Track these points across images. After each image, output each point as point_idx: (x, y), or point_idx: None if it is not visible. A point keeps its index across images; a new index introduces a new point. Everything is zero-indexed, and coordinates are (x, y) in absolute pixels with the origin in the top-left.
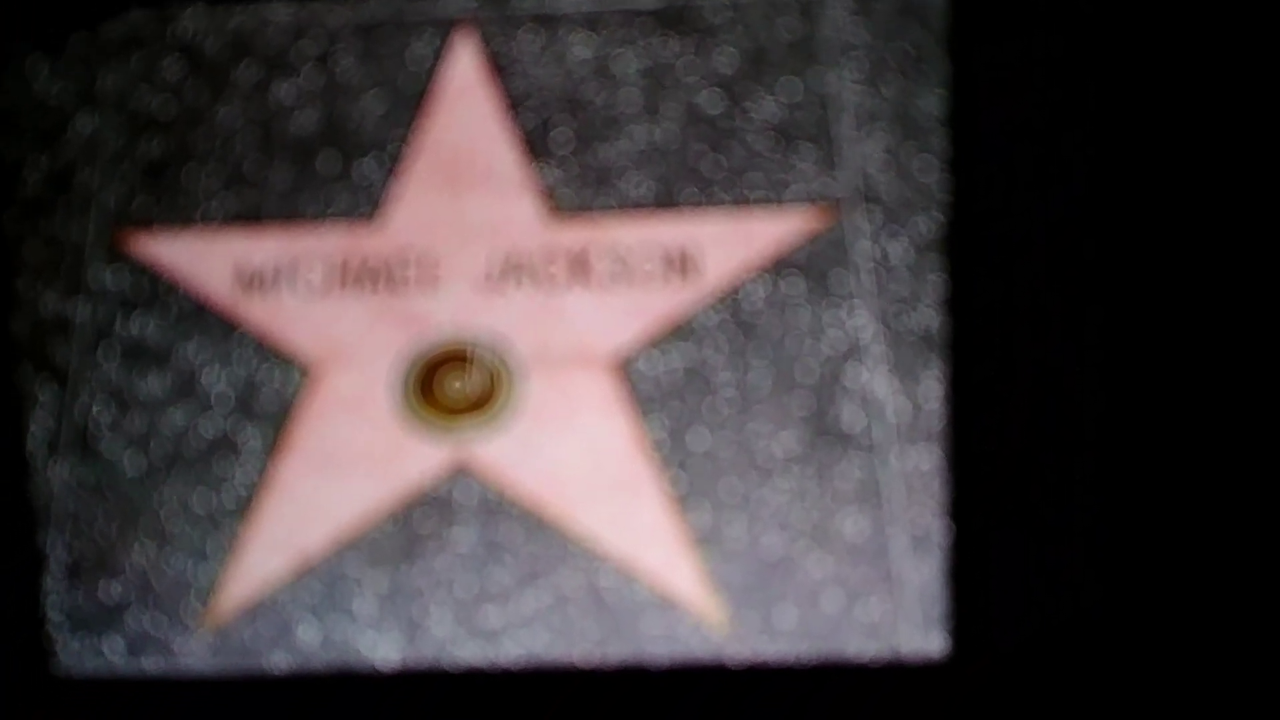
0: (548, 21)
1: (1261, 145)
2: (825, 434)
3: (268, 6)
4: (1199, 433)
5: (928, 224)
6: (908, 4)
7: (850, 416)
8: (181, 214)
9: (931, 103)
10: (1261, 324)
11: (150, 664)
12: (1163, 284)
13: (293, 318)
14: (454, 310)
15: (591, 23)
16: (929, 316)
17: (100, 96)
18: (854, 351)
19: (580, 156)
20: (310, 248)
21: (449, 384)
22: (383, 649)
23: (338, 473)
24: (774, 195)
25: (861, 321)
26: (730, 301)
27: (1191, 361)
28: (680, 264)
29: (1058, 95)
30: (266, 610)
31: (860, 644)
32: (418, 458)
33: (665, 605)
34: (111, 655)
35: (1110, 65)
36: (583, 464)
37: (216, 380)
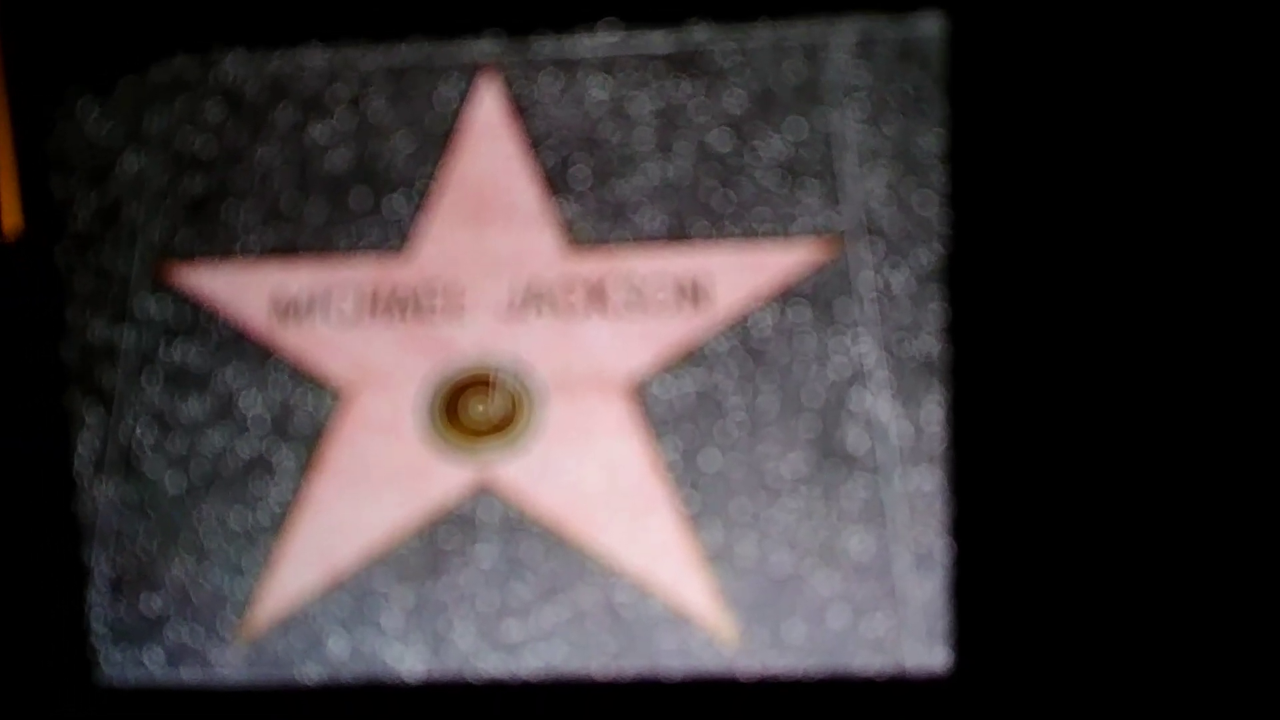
0: (567, 65)
1: (1261, 174)
2: (831, 456)
3: (304, 52)
4: (1192, 453)
5: (928, 255)
6: (907, 48)
7: (855, 439)
8: (221, 247)
9: (930, 141)
10: (1250, 349)
11: (188, 674)
12: (1153, 312)
13: (325, 344)
14: (478, 337)
15: (608, 66)
16: (930, 343)
17: (146, 137)
18: (858, 377)
19: (597, 192)
20: (342, 278)
21: (473, 407)
22: (409, 661)
23: (367, 492)
24: (781, 228)
25: (865, 348)
26: (740, 329)
27: (1185, 384)
28: (692, 293)
29: (1051, 133)
30: (299, 623)
31: (866, 658)
32: (443, 477)
33: (678, 620)
34: (151, 666)
35: (1101, 104)
36: (600, 484)
37: (253, 404)
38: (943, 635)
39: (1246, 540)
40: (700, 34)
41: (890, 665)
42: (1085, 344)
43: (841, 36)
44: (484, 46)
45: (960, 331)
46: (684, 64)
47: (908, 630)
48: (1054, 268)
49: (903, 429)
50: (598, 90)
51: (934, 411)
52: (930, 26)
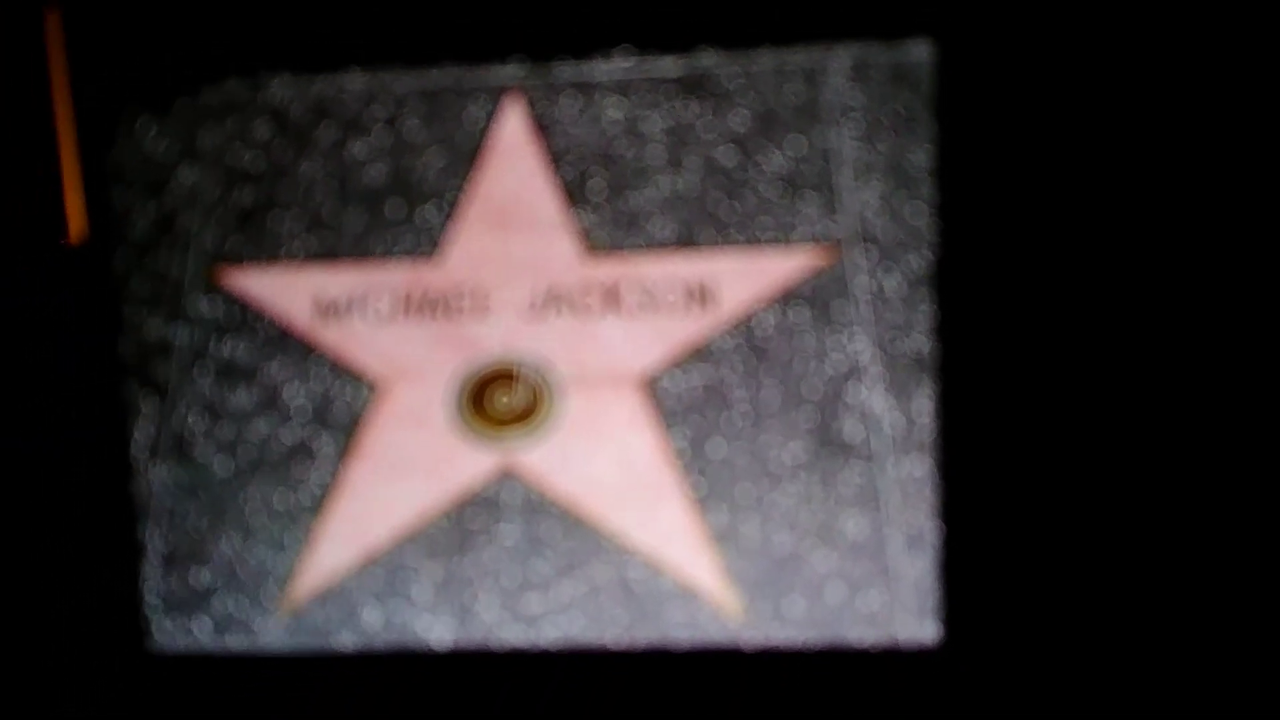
0: (585, 88)
1: (1249, 186)
2: (829, 445)
3: (344, 76)
4: (1169, 439)
5: (919, 261)
6: (899, 72)
7: (851, 429)
8: (268, 252)
9: (920, 157)
10: (1238, 344)
11: (233, 642)
12: (1131, 310)
13: (363, 342)
14: (502, 336)
15: (623, 89)
16: (920, 342)
17: (200, 153)
18: (854, 372)
19: (613, 203)
20: (378, 281)
21: (497, 399)
22: (437, 631)
23: (399, 476)
24: (782, 236)
25: (860, 346)
26: (744, 328)
27: (1163, 375)
28: (700, 295)
29: (1033, 149)
30: (335, 596)
31: (860, 631)
32: (469, 463)
33: (687, 595)
34: (200, 634)
35: (1080, 122)
36: (614, 470)
37: (296, 395)
38: (932, 610)
39: (1231, 520)
40: (708, 59)
41: (883, 638)
42: (1066, 341)
43: (838, 61)
44: (509, 71)
45: (948, 331)
46: (693, 86)
47: (900, 605)
48: (1036, 272)
49: (895, 420)
50: (613, 110)
51: (924, 404)
52: (920, 52)
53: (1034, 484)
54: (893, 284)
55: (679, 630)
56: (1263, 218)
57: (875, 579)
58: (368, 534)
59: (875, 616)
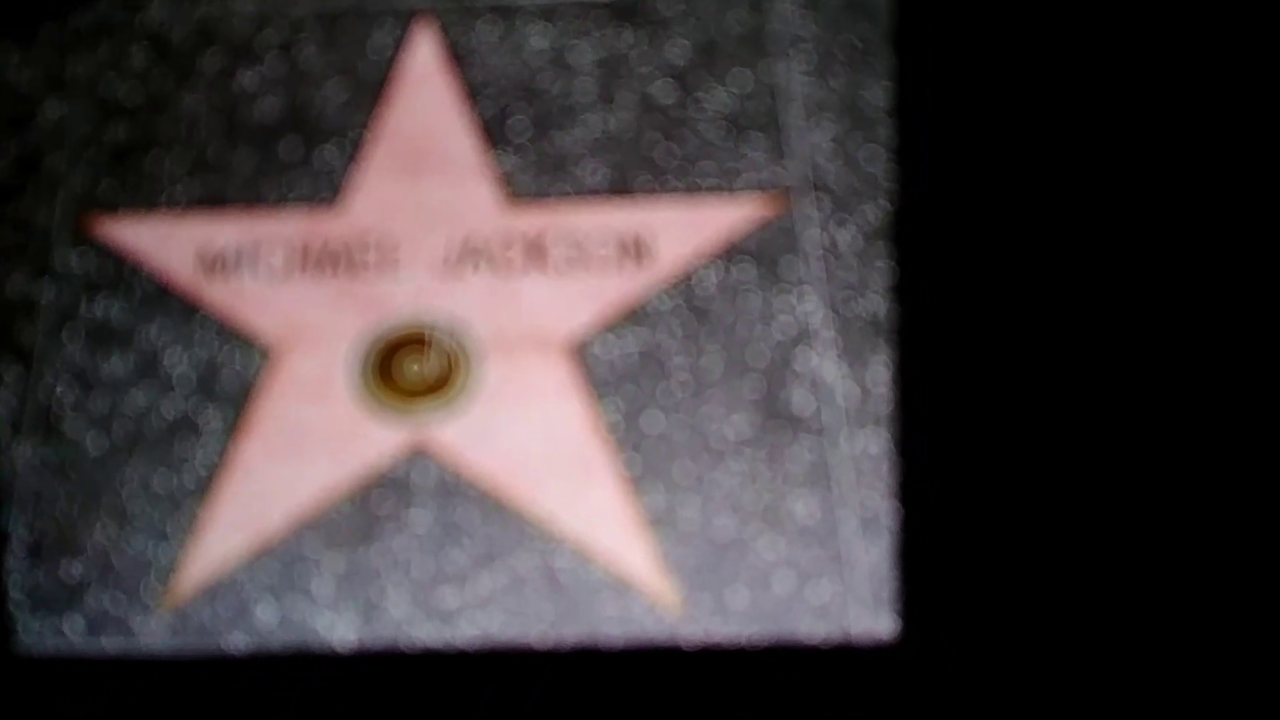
0: (506, 13)
1: (1211, 130)
2: (776, 417)
3: None
4: (1144, 414)
5: (875, 212)
6: None
7: (800, 400)
8: (146, 198)
9: (877, 94)
10: (1204, 314)
11: (109, 643)
12: (1105, 269)
13: (254, 301)
14: (412, 294)
15: (548, 14)
16: (876, 302)
17: (69, 84)
18: (804, 336)
19: (537, 144)
20: (271, 232)
21: (407, 367)
22: (340, 629)
23: (297, 454)
24: (725, 183)
25: (811, 307)
26: (683, 287)
27: (1139, 345)
28: (635, 250)
29: (1001, 86)
30: (225, 590)
31: (811, 625)
32: (375, 439)
33: (620, 587)
34: (71, 634)
35: (1052, 55)
36: (539, 446)
37: (178, 362)
38: (889, 601)
39: (1208, 504)
40: None
41: (835, 632)
42: (1036, 303)
43: None
44: None
45: (907, 290)
46: (626, 13)
47: (853, 596)
48: (1003, 225)
49: (849, 390)
50: (537, 39)
51: (880, 372)
52: None
53: (1000, 462)
54: (846, 238)
55: (610, 626)
56: (1229, 165)
57: (826, 567)
58: (261, 520)
59: (826, 608)
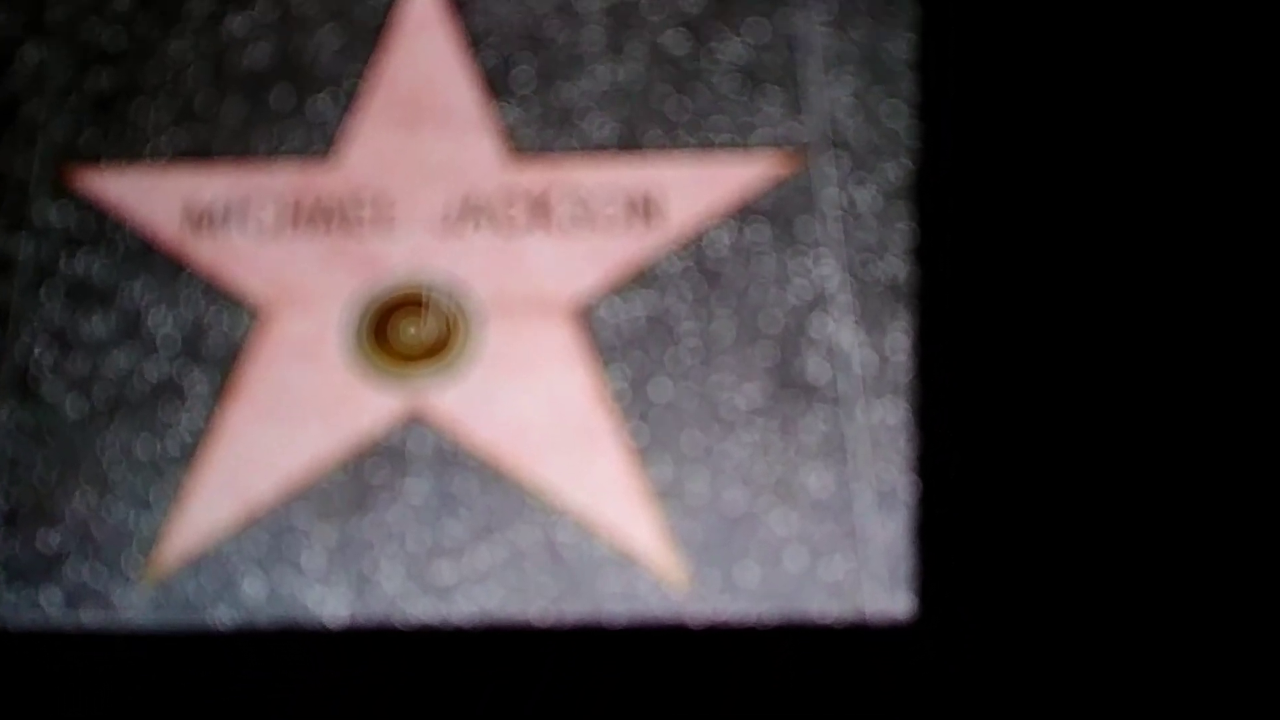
0: None
1: (1225, 112)
2: (790, 386)
3: None
4: (1175, 388)
5: (896, 171)
6: None
7: (815, 368)
8: (130, 149)
9: (900, 46)
10: (1226, 305)
11: (88, 617)
12: (1141, 236)
13: (242, 258)
14: (410, 253)
15: None
16: (896, 266)
17: (49, 27)
18: (820, 301)
19: (541, 96)
20: (262, 186)
21: (404, 329)
22: (331, 604)
23: (287, 420)
24: (739, 139)
25: (828, 270)
26: (694, 248)
27: (1171, 315)
28: (643, 208)
29: (1029, 39)
30: (210, 562)
31: (823, 603)
32: (370, 406)
33: (624, 562)
34: (48, 607)
35: (1083, 11)
36: (541, 414)
37: (163, 322)
38: (905, 579)
39: (1222, 480)
40: None
41: (849, 611)
42: (1064, 268)
43: None
44: None
45: (929, 254)
46: None
47: (868, 573)
48: (1030, 186)
49: (866, 358)
50: None
51: (899, 340)
52: None
53: (1023, 435)
54: (866, 197)
55: (614, 602)
56: (1243, 158)
57: (840, 543)
58: (248, 490)
59: (840, 586)
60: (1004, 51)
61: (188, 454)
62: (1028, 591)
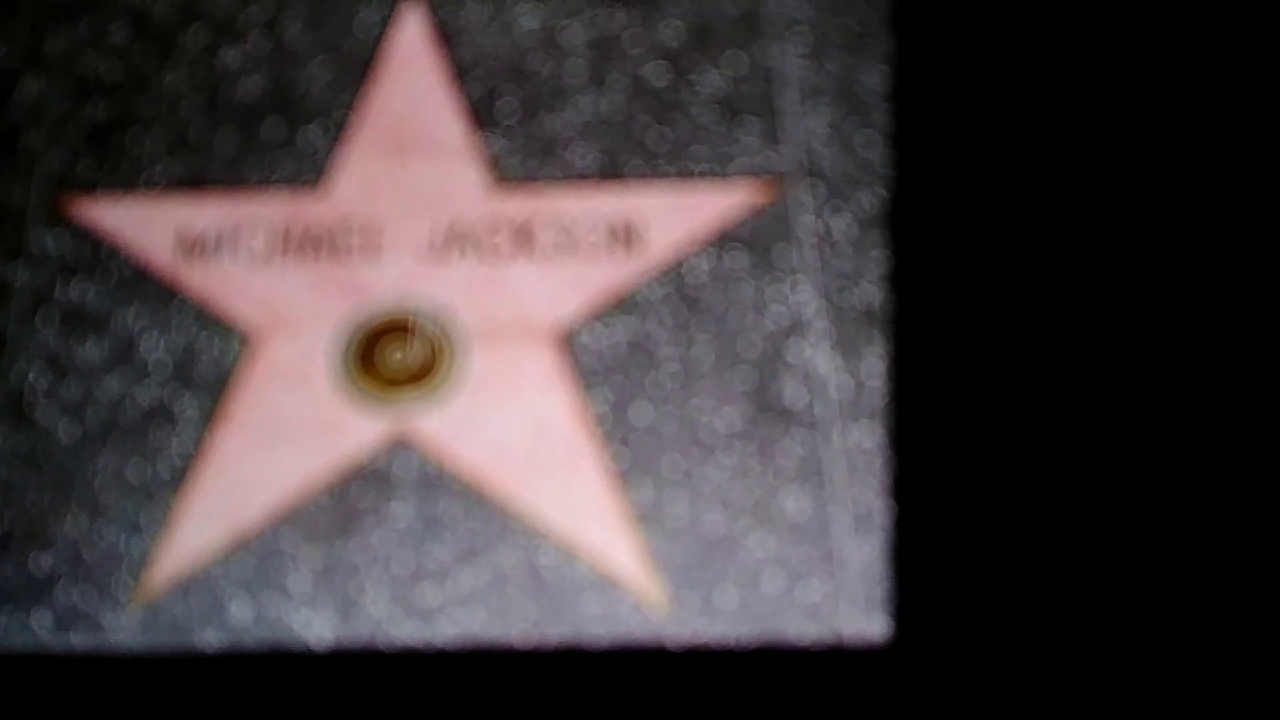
0: None
1: (1209, 120)
2: (767, 410)
3: None
4: (1144, 408)
5: (871, 199)
6: None
7: (793, 393)
8: (124, 179)
9: (874, 79)
10: (1215, 307)
11: (79, 640)
12: (1105, 258)
13: (233, 285)
14: (396, 279)
15: None
16: (871, 292)
17: (47, 60)
18: (797, 327)
19: (525, 126)
20: (253, 214)
21: (390, 355)
22: (317, 627)
23: (275, 444)
24: (718, 168)
25: (804, 297)
26: (674, 275)
27: (1140, 339)
28: (624, 236)
29: (1000, 72)
30: (199, 585)
31: (801, 626)
32: (357, 430)
33: (605, 584)
34: (39, 630)
35: (1053, 39)
36: (524, 438)
37: (155, 348)
38: (882, 602)
39: (1197, 499)
40: None
41: (826, 632)
42: (1036, 295)
43: None
44: None
45: (903, 281)
46: None
47: (845, 596)
48: (1002, 214)
49: (842, 382)
50: (527, 19)
51: (875, 365)
52: None
53: (997, 459)
54: (842, 225)
55: (595, 625)
56: (1231, 162)
57: (818, 566)
58: (237, 513)
59: (817, 608)
60: (975, 83)
61: (177, 478)
62: (1002, 613)
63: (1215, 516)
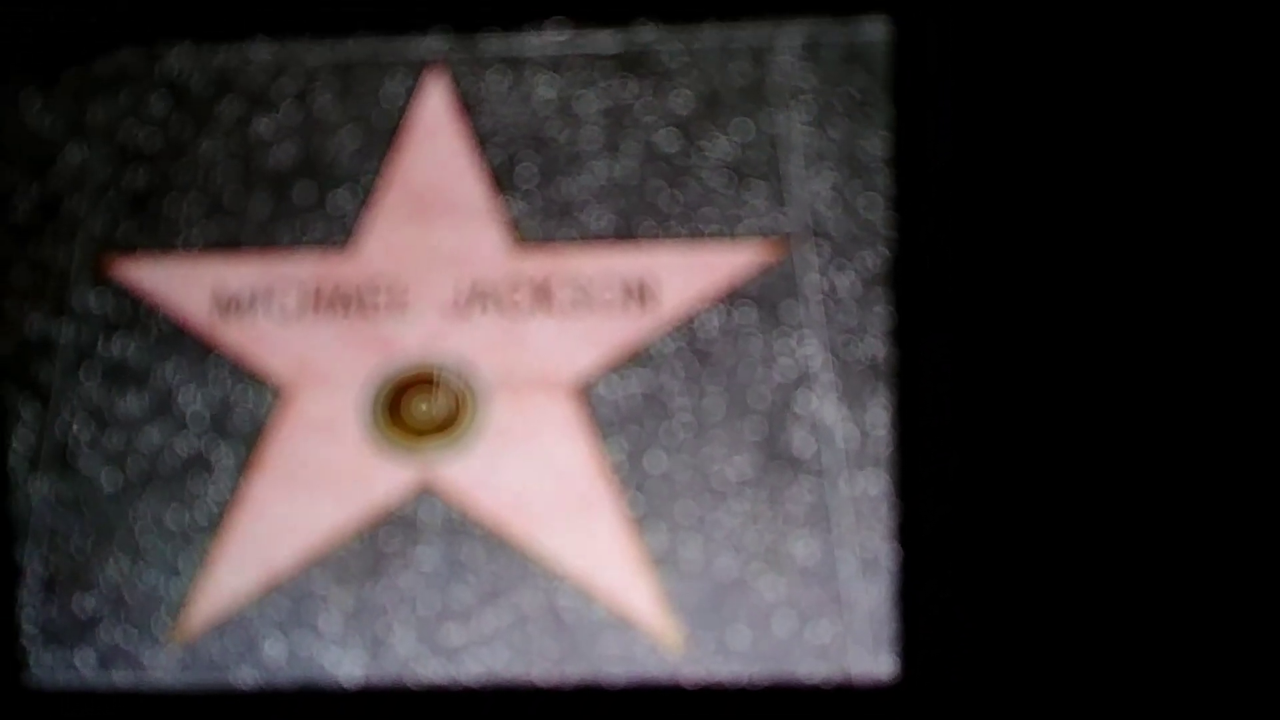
0: (514, 63)
1: (1214, 185)
2: (777, 458)
3: (249, 46)
4: (1144, 455)
5: (873, 258)
6: (852, 51)
7: (801, 442)
8: (163, 241)
9: (875, 144)
10: (1207, 345)
11: (120, 677)
12: (1100, 309)
13: (267, 341)
14: (422, 335)
15: (556, 65)
16: (875, 346)
17: (90, 129)
18: (804, 379)
19: (544, 190)
20: (285, 274)
21: (416, 406)
22: (347, 665)
23: (307, 491)
24: (727, 229)
25: (811, 350)
26: (686, 330)
27: (1138, 388)
28: (639, 293)
29: (994, 136)
30: (234, 626)
31: (811, 665)
32: (384, 478)
33: (622, 625)
34: (83, 668)
35: (1044, 108)
36: (544, 485)
37: (192, 400)
38: (888, 642)
39: (1201, 542)
40: (648, 34)
41: (835, 672)
42: (1033, 345)
43: (788, 39)
44: (431, 43)
45: (905, 334)
46: (631, 64)
47: (853, 637)
48: (1000, 269)
49: (848, 432)
50: (545, 89)
51: (879, 415)
52: (875, 31)
53: (999, 503)
54: (846, 283)
55: (613, 664)
56: (1231, 202)
57: (827, 607)
58: (270, 557)
59: (826, 649)
60: (972, 147)
61: (214, 523)
62: (1005, 652)
63: (1223, 557)
